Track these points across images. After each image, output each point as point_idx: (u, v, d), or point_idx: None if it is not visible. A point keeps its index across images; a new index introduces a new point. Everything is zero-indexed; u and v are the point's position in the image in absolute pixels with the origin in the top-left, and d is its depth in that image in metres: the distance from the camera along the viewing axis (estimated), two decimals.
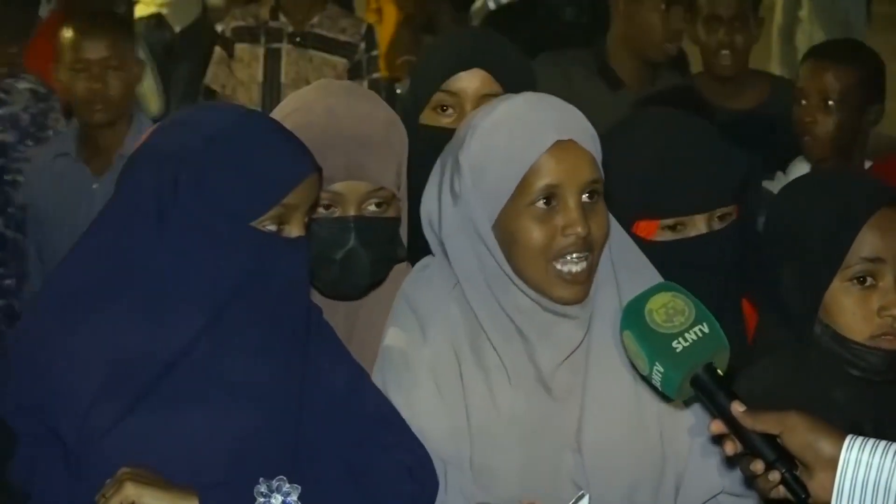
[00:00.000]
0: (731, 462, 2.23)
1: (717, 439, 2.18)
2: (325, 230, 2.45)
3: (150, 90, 5.55)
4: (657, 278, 2.37)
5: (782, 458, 2.08)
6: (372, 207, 2.49)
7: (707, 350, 2.14)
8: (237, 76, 5.43)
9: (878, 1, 9.36)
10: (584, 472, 2.31)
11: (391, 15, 7.53)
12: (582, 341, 2.32)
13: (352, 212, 2.48)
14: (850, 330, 2.40)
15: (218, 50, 5.50)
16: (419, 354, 2.34)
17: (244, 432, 2.13)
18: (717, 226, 2.65)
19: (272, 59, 5.39)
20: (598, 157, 2.31)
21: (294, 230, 2.18)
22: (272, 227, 2.16)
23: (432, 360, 2.33)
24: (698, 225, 2.64)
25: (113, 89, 4.05)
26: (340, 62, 5.34)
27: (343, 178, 2.46)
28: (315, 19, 5.41)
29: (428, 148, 2.80)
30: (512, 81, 2.85)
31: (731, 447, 2.11)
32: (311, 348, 2.23)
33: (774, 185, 3.61)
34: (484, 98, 2.84)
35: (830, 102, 3.83)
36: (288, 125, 2.42)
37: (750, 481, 2.16)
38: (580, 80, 4.34)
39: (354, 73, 5.31)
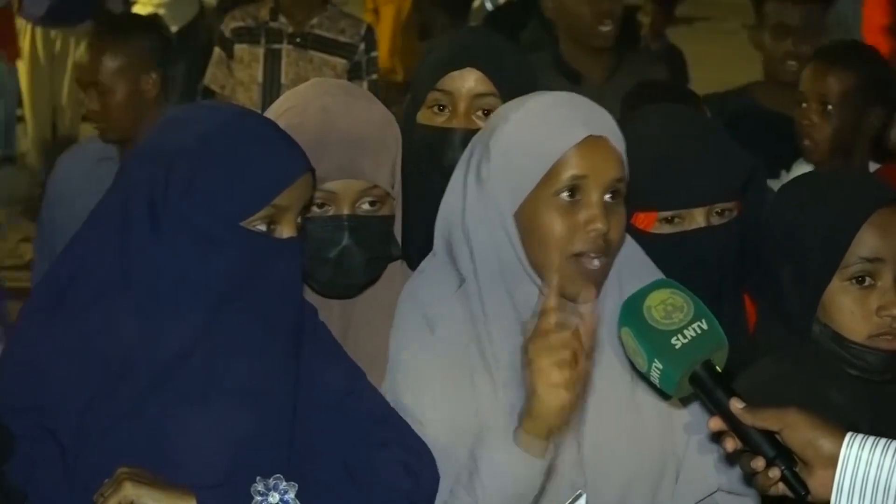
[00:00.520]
0: (730, 459, 2.24)
1: (716, 437, 2.18)
2: (319, 229, 2.45)
3: None
4: (659, 276, 2.37)
5: (782, 454, 2.08)
6: (366, 206, 2.50)
7: (706, 347, 2.14)
8: (237, 77, 5.42)
9: None
10: (581, 470, 2.31)
11: (388, 16, 7.55)
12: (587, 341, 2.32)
13: (346, 210, 2.48)
14: (848, 329, 2.41)
15: (217, 51, 5.49)
16: (428, 356, 2.34)
17: (240, 432, 2.13)
18: (715, 221, 2.65)
19: (272, 59, 5.38)
20: (625, 158, 2.33)
21: (285, 231, 2.18)
22: (262, 228, 2.15)
23: (441, 361, 2.33)
24: (697, 219, 2.64)
25: (109, 109, 3.93)
26: (340, 63, 5.34)
27: (337, 176, 2.46)
28: (314, 20, 5.40)
29: (423, 147, 2.81)
30: (507, 81, 2.85)
31: (731, 444, 2.11)
32: (306, 348, 2.23)
33: (777, 185, 3.60)
34: (478, 97, 2.85)
35: (829, 107, 3.82)
36: (282, 123, 2.41)
37: (749, 478, 2.17)
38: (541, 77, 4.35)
39: (354, 74, 5.30)
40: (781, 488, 2.10)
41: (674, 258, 2.51)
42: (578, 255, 2.27)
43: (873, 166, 3.91)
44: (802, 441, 2.07)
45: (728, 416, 2.12)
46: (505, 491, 2.18)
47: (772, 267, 2.50)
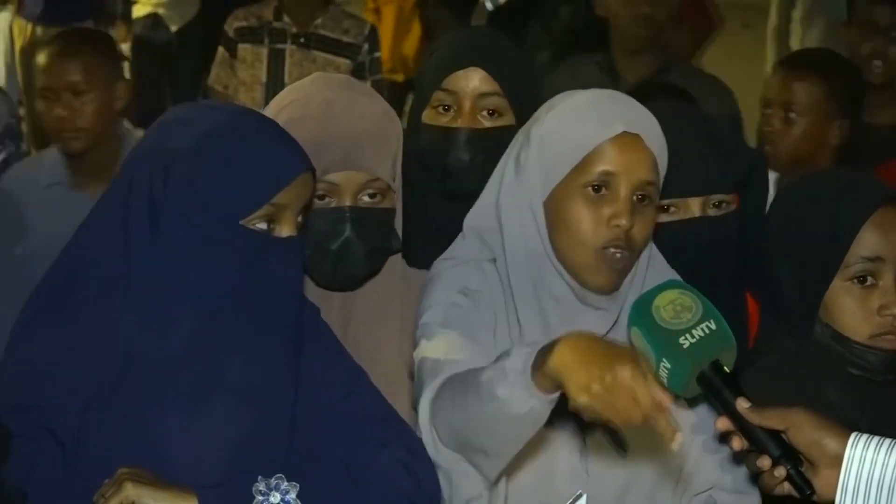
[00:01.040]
0: (737, 459, 2.24)
1: (723, 437, 2.19)
2: (320, 220, 2.46)
3: None
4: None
5: (787, 454, 2.09)
6: (367, 198, 2.51)
7: (714, 347, 2.15)
8: (239, 76, 5.42)
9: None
10: (585, 464, 2.32)
11: (390, 15, 7.54)
12: (606, 334, 2.32)
13: (347, 202, 2.49)
14: (850, 329, 2.41)
15: (221, 50, 5.49)
16: (462, 300, 2.34)
17: (240, 432, 2.13)
18: (712, 212, 2.66)
19: (276, 59, 5.38)
20: (662, 165, 2.34)
21: (285, 230, 2.17)
22: (262, 226, 2.15)
23: (473, 316, 2.33)
24: (692, 208, 2.66)
25: (84, 117, 3.84)
26: (344, 63, 5.33)
27: (339, 168, 2.47)
28: (318, 20, 5.40)
29: (428, 147, 2.82)
30: (511, 80, 2.86)
31: (738, 443, 2.12)
32: (307, 348, 2.23)
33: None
34: (482, 97, 2.85)
35: (792, 114, 3.79)
36: (285, 117, 2.44)
37: (755, 478, 2.17)
38: (586, 74, 4.34)
39: (357, 75, 5.28)
40: (787, 488, 2.11)
41: (669, 247, 2.51)
42: (601, 248, 2.29)
43: None
44: (808, 441, 2.08)
45: (735, 416, 2.12)
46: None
47: (773, 266, 2.50)
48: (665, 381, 2.17)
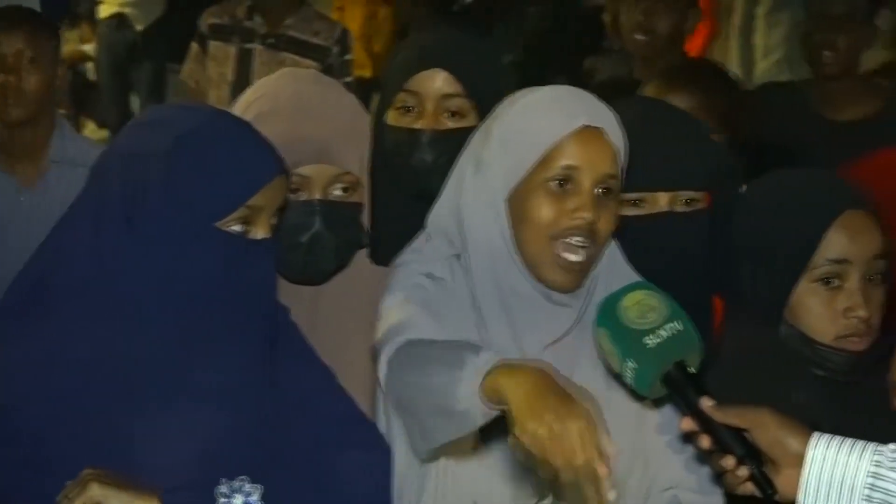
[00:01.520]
0: (701, 458, 2.26)
1: (687, 437, 2.20)
2: (290, 213, 2.46)
3: None
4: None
5: (750, 454, 2.10)
6: (337, 192, 2.53)
7: (680, 347, 2.16)
8: (209, 73, 5.40)
9: None
10: None
11: (355, 14, 7.52)
12: (569, 330, 2.34)
13: (317, 195, 2.51)
14: (815, 331, 2.43)
15: (194, 46, 5.47)
16: (427, 283, 2.35)
17: (212, 435, 2.13)
18: (680, 209, 2.66)
19: (244, 59, 5.35)
20: (623, 158, 2.35)
21: (259, 232, 2.18)
22: (237, 228, 2.16)
23: (437, 292, 2.35)
24: (660, 202, 2.66)
25: (28, 84, 3.86)
26: (312, 66, 5.27)
27: (310, 161, 2.49)
28: (289, 21, 5.37)
29: (392, 148, 2.82)
30: (475, 82, 2.86)
31: (706, 441, 2.13)
32: (277, 349, 2.24)
33: None
34: (445, 98, 2.84)
35: None
36: (255, 111, 2.46)
37: (718, 477, 2.19)
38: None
39: None
40: (750, 487, 2.12)
41: (636, 242, 2.52)
42: (562, 241, 2.30)
43: None
44: (770, 440, 2.09)
45: (699, 416, 2.14)
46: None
47: (739, 266, 2.52)
48: (631, 381, 2.18)
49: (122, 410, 2.12)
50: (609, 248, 2.40)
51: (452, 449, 2.25)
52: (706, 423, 2.13)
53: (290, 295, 2.45)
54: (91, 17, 7.90)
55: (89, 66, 8.15)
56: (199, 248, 2.13)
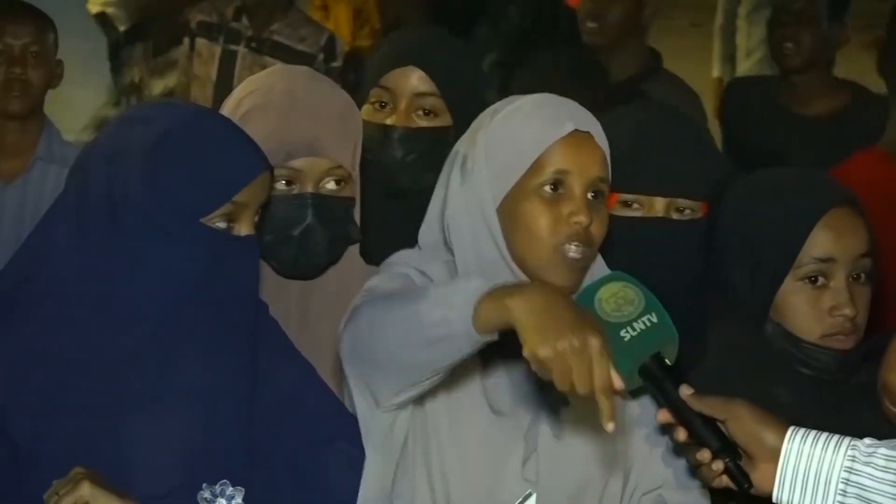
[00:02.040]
0: (677, 451, 2.26)
1: (664, 430, 2.22)
2: (283, 207, 2.48)
3: None
4: None
5: (726, 447, 2.11)
6: (330, 186, 2.53)
7: (656, 340, 2.16)
8: (195, 71, 5.40)
9: None
10: (534, 466, 2.31)
11: (340, 12, 7.50)
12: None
13: (310, 189, 2.51)
14: (801, 329, 2.43)
15: (186, 41, 5.46)
16: (416, 275, 2.33)
17: (198, 436, 2.13)
18: (675, 216, 2.67)
19: (227, 60, 5.34)
20: (609, 161, 2.36)
21: (244, 228, 2.19)
22: (222, 225, 2.16)
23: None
24: (655, 207, 2.67)
25: (33, 78, 3.89)
26: None
27: (303, 154, 2.49)
28: (275, 25, 5.35)
29: (364, 143, 2.84)
30: (449, 81, 2.89)
31: (682, 434, 2.14)
32: (258, 346, 2.23)
33: None
34: (419, 96, 2.88)
35: None
36: (247, 105, 2.47)
37: (694, 470, 2.20)
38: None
39: None
40: (725, 480, 2.13)
41: (625, 242, 2.54)
42: (561, 246, 2.30)
43: None
44: (747, 434, 2.10)
45: (676, 409, 2.14)
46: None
47: (725, 263, 2.52)
48: None
49: (106, 410, 2.11)
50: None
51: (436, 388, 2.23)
52: (682, 415, 2.14)
53: (280, 289, 2.47)
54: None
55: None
56: (183, 244, 2.13)
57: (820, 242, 2.42)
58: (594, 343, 1.96)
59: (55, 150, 3.93)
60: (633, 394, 2.33)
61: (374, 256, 2.60)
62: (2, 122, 3.93)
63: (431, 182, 2.81)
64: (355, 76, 4.48)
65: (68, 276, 2.14)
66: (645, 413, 2.35)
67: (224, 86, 5.22)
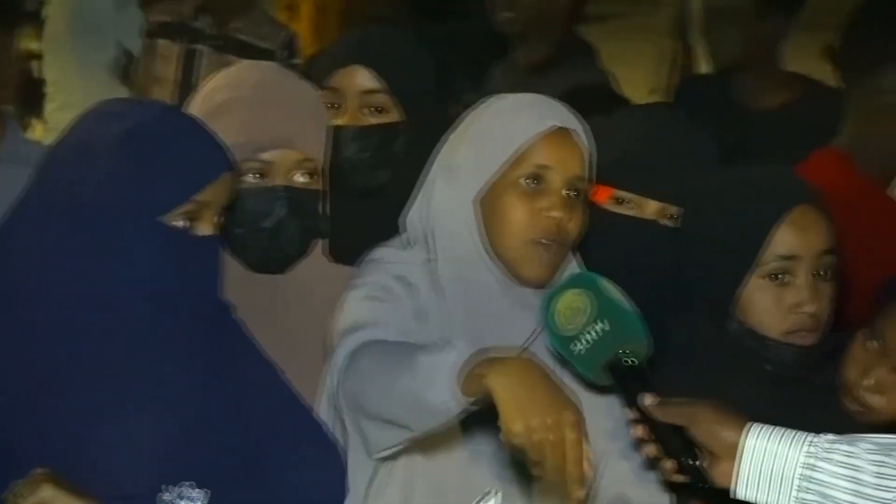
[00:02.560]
0: (638, 446, 2.26)
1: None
2: (254, 200, 2.49)
3: None
4: None
5: (685, 446, 2.13)
6: (300, 178, 2.54)
7: (610, 346, 2.18)
8: (157, 72, 5.38)
9: None
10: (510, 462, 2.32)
11: (305, 11, 7.48)
12: (535, 334, 2.35)
13: (281, 181, 2.52)
14: (764, 326, 2.43)
15: (145, 41, 5.45)
16: (397, 287, 2.36)
17: (160, 436, 2.12)
18: (665, 222, 2.67)
19: (189, 59, 5.33)
20: (588, 161, 2.39)
21: (204, 228, 2.18)
22: (182, 224, 2.15)
23: (406, 298, 2.35)
24: (648, 210, 2.68)
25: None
26: None
27: (274, 146, 2.50)
28: (236, 23, 5.35)
29: None
30: (396, 77, 2.90)
31: (639, 430, 2.16)
32: (222, 348, 2.23)
33: None
34: (366, 94, 2.89)
35: None
36: (217, 99, 2.49)
37: (653, 465, 2.22)
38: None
39: None
40: (683, 476, 2.15)
41: (610, 239, 2.57)
42: (535, 241, 2.33)
43: None
44: (705, 434, 2.11)
45: (639, 409, 2.16)
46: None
47: (689, 260, 2.52)
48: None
49: (70, 414, 2.10)
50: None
51: (421, 444, 2.25)
52: (644, 416, 2.16)
53: (249, 286, 2.48)
54: (37, 16, 7.85)
55: (37, 64, 8.12)
56: (143, 243, 2.12)
57: (784, 240, 2.42)
58: (569, 421, 1.97)
59: (20, 151, 3.90)
60: (602, 390, 2.34)
61: (340, 256, 2.61)
62: None
63: (387, 179, 2.83)
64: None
65: (31, 277, 2.12)
66: (618, 427, 2.37)
67: (187, 85, 5.20)
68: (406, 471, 2.34)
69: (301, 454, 2.25)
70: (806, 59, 4.60)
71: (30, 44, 8.07)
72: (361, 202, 2.88)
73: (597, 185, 2.62)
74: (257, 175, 2.50)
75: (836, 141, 3.30)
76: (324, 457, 2.29)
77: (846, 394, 2.51)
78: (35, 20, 7.87)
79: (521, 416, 1.97)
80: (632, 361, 2.18)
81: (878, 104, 3.27)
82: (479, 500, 2.14)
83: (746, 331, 2.45)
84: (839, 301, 2.51)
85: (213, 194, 2.18)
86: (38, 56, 8.04)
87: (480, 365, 2.04)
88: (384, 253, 2.44)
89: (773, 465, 2.07)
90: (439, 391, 2.05)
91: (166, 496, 2.11)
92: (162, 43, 5.36)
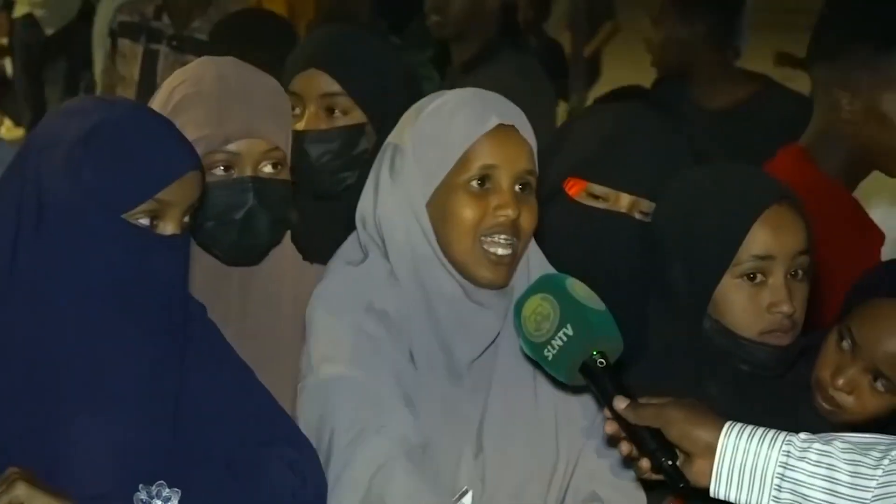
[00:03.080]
0: (612, 443, 2.27)
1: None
2: (223, 192, 2.49)
3: None
4: None
5: (662, 447, 2.13)
6: (268, 168, 2.54)
7: (578, 349, 2.19)
8: (118, 71, 5.37)
9: None
10: (482, 465, 2.32)
11: (274, 9, 7.45)
12: (496, 338, 2.35)
13: (249, 172, 2.52)
14: (739, 326, 2.43)
15: (108, 42, 5.43)
16: (371, 327, 2.34)
17: (122, 437, 2.11)
18: (637, 216, 2.66)
19: (149, 59, 5.32)
20: (535, 152, 2.38)
21: (169, 227, 2.16)
22: (145, 222, 2.14)
23: (383, 340, 2.34)
24: (621, 203, 2.66)
25: None
26: None
27: (240, 136, 2.50)
28: (196, 23, 5.32)
29: None
30: (355, 79, 2.91)
31: (610, 427, 2.17)
32: (193, 348, 2.21)
33: None
34: (325, 97, 2.91)
35: None
36: (179, 95, 2.49)
37: (629, 463, 2.22)
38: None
39: None
40: (659, 475, 2.15)
41: (583, 232, 2.57)
42: (488, 239, 2.32)
43: None
44: (679, 434, 2.12)
45: (612, 409, 2.16)
46: None
47: (664, 259, 2.51)
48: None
49: (32, 412, 2.09)
50: (530, 248, 2.41)
51: None
52: (620, 417, 2.16)
53: (221, 279, 2.49)
54: (9, 10, 7.84)
55: (7, 61, 8.14)
56: (105, 241, 2.11)
57: (759, 240, 2.42)
58: None
59: None
60: (578, 391, 2.34)
61: (309, 256, 2.62)
62: None
63: (351, 181, 2.83)
64: None
65: (3, 273, 2.11)
66: (594, 426, 2.37)
67: (148, 85, 5.19)
68: None
69: (275, 456, 2.24)
70: (762, 59, 4.65)
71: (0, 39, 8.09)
72: (328, 205, 2.88)
73: (570, 178, 2.62)
74: (225, 168, 2.50)
75: (802, 138, 3.30)
76: (298, 454, 2.27)
77: (818, 393, 2.51)
78: (7, 15, 7.87)
79: None
80: (602, 362, 2.18)
81: (841, 105, 3.26)
82: (457, 499, 2.15)
83: (721, 330, 2.44)
84: (814, 300, 2.51)
85: (178, 193, 2.16)
86: (8, 53, 8.06)
87: None
88: (346, 270, 2.41)
89: (751, 464, 2.07)
90: None
91: (142, 494, 2.10)
92: (123, 42, 5.35)
